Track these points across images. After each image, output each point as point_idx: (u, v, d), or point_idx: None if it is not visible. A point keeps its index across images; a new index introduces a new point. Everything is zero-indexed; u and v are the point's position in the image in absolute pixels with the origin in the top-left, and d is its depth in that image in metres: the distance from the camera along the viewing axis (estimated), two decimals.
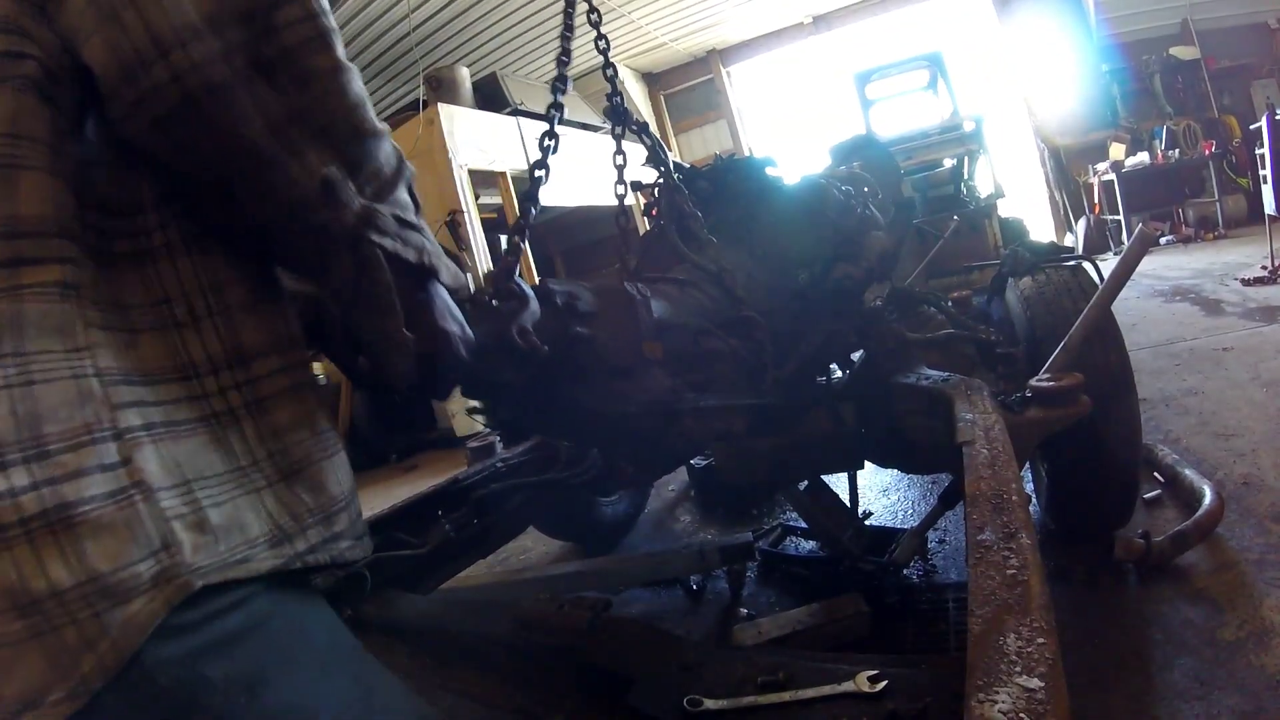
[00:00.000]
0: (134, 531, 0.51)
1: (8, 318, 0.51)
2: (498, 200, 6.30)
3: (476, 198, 5.82)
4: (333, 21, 0.61)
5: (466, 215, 5.51)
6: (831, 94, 9.46)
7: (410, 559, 1.89)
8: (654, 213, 2.32)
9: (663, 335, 1.37)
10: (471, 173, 5.71)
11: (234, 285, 0.65)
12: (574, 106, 6.67)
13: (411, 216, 0.69)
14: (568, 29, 1.50)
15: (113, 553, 0.49)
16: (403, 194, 0.69)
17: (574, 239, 9.68)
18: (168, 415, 0.58)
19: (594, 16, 1.74)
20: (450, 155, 5.50)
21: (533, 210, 1.36)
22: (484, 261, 5.63)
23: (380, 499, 4.62)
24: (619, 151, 1.83)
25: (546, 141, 1.41)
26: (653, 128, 1.87)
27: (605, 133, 1.78)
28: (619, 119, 1.77)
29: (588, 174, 6.03)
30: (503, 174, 6.09)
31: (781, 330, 1.80)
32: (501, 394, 1.14)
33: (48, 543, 0.48)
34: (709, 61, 10.86)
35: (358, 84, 0.62)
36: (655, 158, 1.77)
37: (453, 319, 0.79)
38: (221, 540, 0.56)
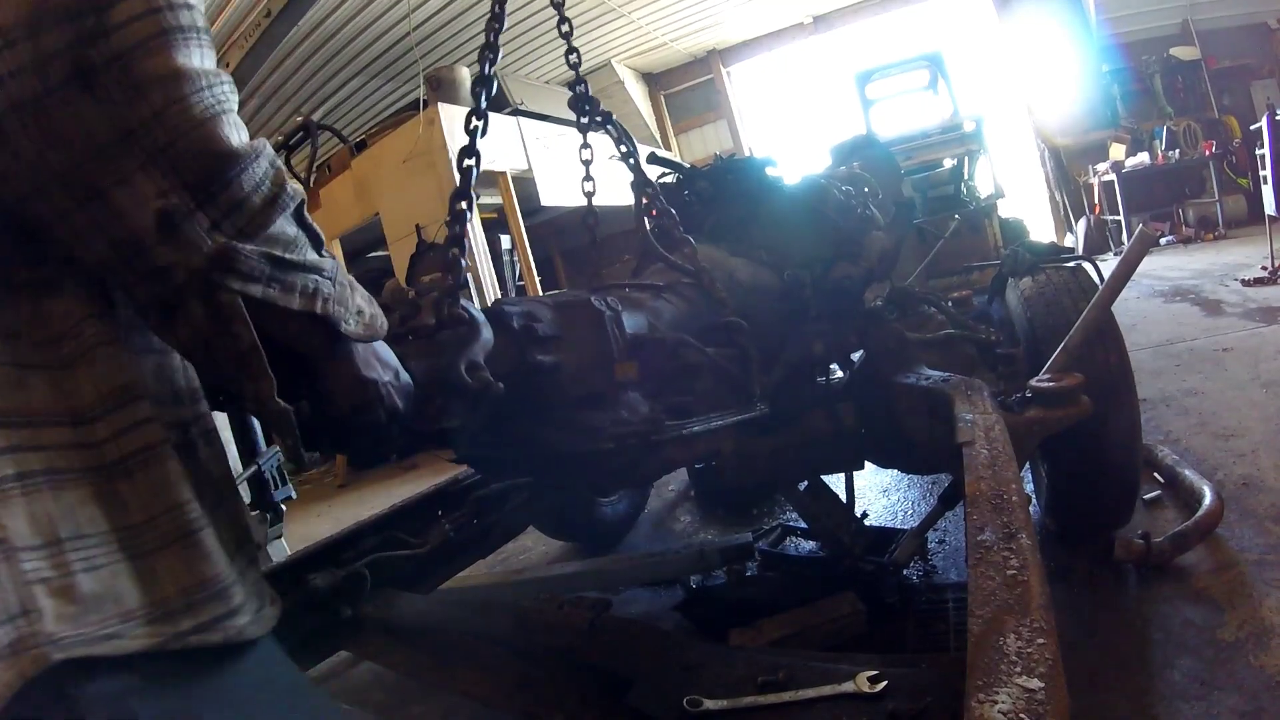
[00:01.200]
0: None
1: None
2: (498, 200, 6.29)
3: (476, 198, 5.81)
4: (187, 18, 0.50)
5: (467, 215, 5.50)
6: (831, 94, 9.46)
7: (410, 559, 1.89)
8: (653, 213, 2.31)
9: (637, 353, 1.23)
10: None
11: (108, 320, 0.58)
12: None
13: (297, 254, 0.58)
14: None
15: None
16: (283, 227, 0.57)
17: (574, 239, 9.68)
18: (50, 463, 0.51)
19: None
20: (450, 155, 5.50)
21: (469, 214, 1.21)
22: (484, 261, 5.63)
23: (380, 499, 4.62)
24: (585, 145, 1.78)
25: (475, 122, 1.25)
26: (653, 128, 1.84)
27: (605, 133, 1.72)
28: (583, 109, 1.66)
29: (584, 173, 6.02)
30: (503, 174, 6.08)
31: (767, 332, 1.74)
32: (454, 438, 1.00)
33: None
34: (709, 61, 10.86)
35: (213, 93, 0.51)
36: (630, 150, 1.65)
37: (380, 366, 0.71)
38: (91, 610, 0.49)
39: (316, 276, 0.60)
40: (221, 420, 2.87)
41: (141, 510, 0.55)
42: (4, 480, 0.48)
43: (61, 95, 0.46)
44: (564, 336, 1.15)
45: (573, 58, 1.64)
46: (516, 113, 6.50)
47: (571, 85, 1.66)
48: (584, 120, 1.70)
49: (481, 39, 1.27)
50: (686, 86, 11.10)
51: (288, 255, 0.57)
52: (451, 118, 5.65)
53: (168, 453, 0.58)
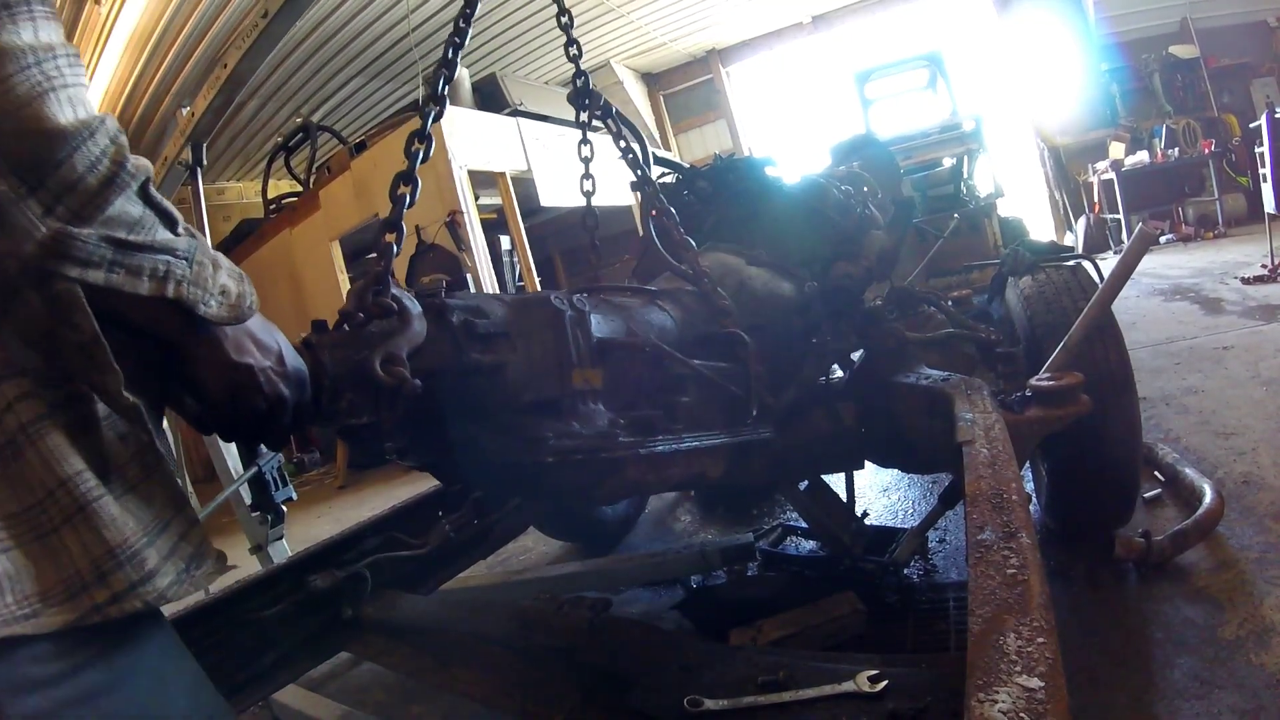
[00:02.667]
0: None
1: None
2: (497, 200, 6.30)
3: (476, 198, 5.82)
4: None
5: (466, 215, 5.51)
6: (831, 93, 9.46)
7: (410, 559, 1.89)
8: (653, 213, 2.31)
9: (602, 360, 1.14)
10: (471, 173, 5.71)
11: None
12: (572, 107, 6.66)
13: (144, 235, 0.54)
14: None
15: None
16: (125, 206, 0.53)
17: (574, 239, 9.68)
18: None
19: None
20: (450, 155, 5.50)
21: (406, 202, 1.13)
22: (484, 262, 5.63)
23: (380, 499, 4.62)
24: (584, 141, 1.71)
25: (416, 145, 1.17)
26: (652, 128, 1.82)
27: (605, 132, 1.69)
28: (583, 102, 1.61)
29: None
30: (502, 174, 6.09)
31: (780, 349, 1.67)
32: (368, 435, 0.92)
33: None
34: (708, 61, 10.86)
35: (42, 70, 0.47)
36: (637, 145, 1.62)
37: (257, 350, 0.67)
38: (7, 591, 0.49)
39: (168, 257, 0.56)
40: None
41: (39, 488, 0.54)
42: None
43: None
44: (512, 335, 1.07)
45: (573, 50, 1.60)
46: (516, 113, 6.50)
47: (573, 79, 1.62)
48: (584, 116, 1.65)
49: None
50: (686, 86, 11.11)
51: (132, 237, 0.54)
52: (451, 118, 5.65)
53: (48, 428, 0.56)
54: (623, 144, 1.61)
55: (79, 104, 0.50)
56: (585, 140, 1.71)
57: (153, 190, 0.56)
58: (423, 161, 1.11)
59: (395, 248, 1.01)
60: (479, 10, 1.34)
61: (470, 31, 1.28)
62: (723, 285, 1.65)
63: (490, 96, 6.65)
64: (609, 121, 1.65)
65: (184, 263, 0.57)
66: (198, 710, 0.62)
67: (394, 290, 0.95)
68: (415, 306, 0.96)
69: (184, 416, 0.66)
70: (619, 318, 1.31)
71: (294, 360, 0.74)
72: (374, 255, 1.04)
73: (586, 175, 1.72)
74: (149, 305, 0.56)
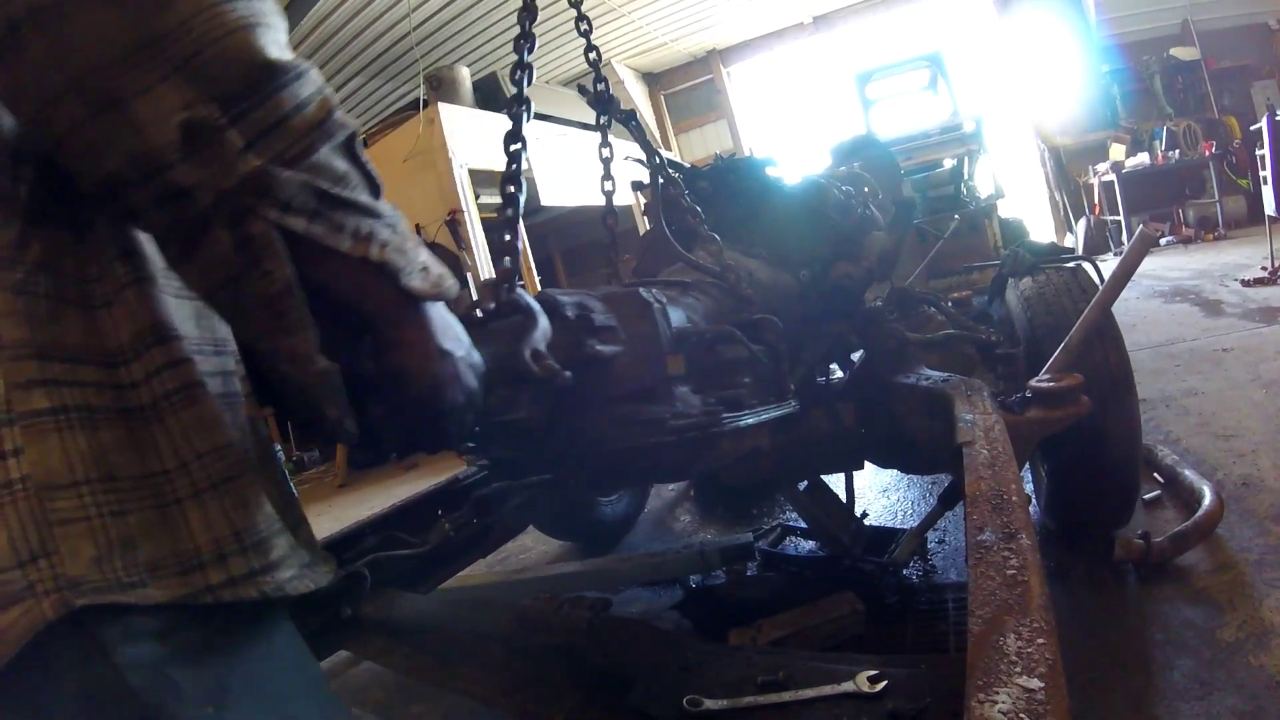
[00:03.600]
0: (12, 532, 0.43)
1: None
2: (497, 200, 6.29)
3: (477, 197, 5.82)
4: None
5: (467, 215, 5.51)
6: (831, 94, 9.46)
7: (410, 559, 1.89)
8: (681, 202, 2.31)
9: (680, 346, 1.20)
10: (472, 172, 5.71)
11: (150, 260, 0.55)
12: (573, 106, 6.67)
13: (350, 192, 0.49)
14: None
15: None
16: (331, 158, 0.49)
17: (574, 239, 9.68)
18: (84, 400, 0.48)
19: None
20: (450, 155, 5.50)
21: (520, 198, 1.16)
22: (485, 262, 5.63)
23: (380, 499, 4.62)
24: (605, 144, 1.75)
25: (513, 147, 1.23)
26: (653, 128, 1.83)
27: (629, 130, 1.70)
28: (604, 107, 1.64)
29: (587, 174, 6.04)
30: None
31: (790, 332, 1.73)
32: (509, 434, 0.91)
33: None
34: (709, 61, 10.86)
35: (249, 5, 0.45)
36: (647, 148, 1.64)
37: (451, 338, 0.59)
38: (117, 556, 0.46)
39: (371, 220, 0.50)
40: None
41: (173, 456, 0.51)
42: (38, 413, 0.45)
43: (80, 1, 0.41)
44: (620, 327, 1.10)
45: (592, 55, 1.62)
46: None
47: (593, 83, 1.64)
48: (603, 120, 1.68)
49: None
50: (686, 86, 11.11)
51: (336, 190, 0.48)
52: (451, 117, 5.65)
53: (204, 395, 0.53)
54: (644, 141, 1.65)
55: (285, 49, 0.47)
56: (605, 143, 1.73)
57: (358, 148, 0.51)
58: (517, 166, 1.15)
59: (519, 245, 1.02)
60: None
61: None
62: (726, 277, 1.67)
63: (491, 95, 6.65)
64: (631, 125, 1.68)
65: (388, 229, 0.52)
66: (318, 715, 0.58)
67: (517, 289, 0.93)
68: (535, 303, 0.95)
69: (343, 435, 0.53)
70: (678, 307, 1.36)
71: (475, 352, 0.66)
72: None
73: (607, 176, 1.75)
74: (348, 268, 0.50)
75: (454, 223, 5.47)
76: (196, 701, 0.48)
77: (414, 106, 5.72)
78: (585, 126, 7.28)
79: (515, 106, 1.21)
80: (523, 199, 1.16)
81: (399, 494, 2.61)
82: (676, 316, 1.28)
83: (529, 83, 1.23)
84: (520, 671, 1.28)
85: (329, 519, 4.45)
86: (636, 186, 2.37)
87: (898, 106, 6.33)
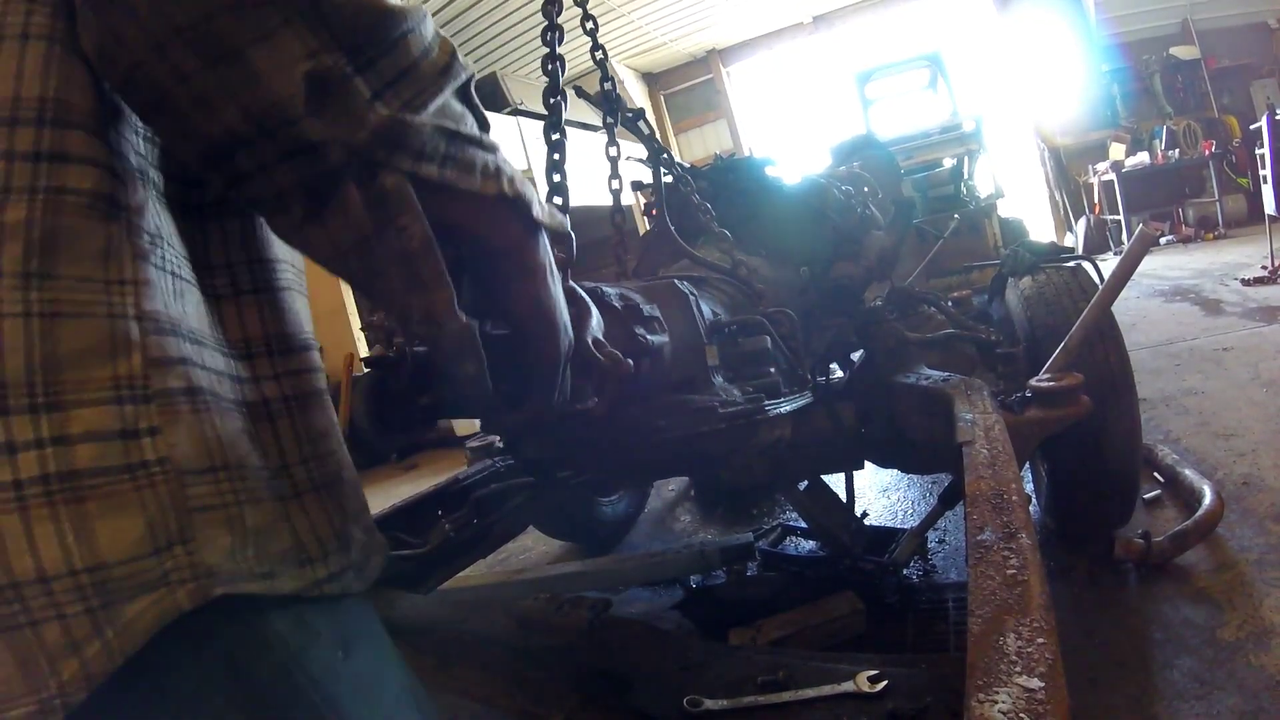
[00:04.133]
0: (150, 517, 0.40)
1: (44, 229, 0.39)
2: None
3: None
4: None
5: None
6: (831, 94, 9.46)
7: (410, 559, 1.89)
8: (654, 213, 2.31)
9: (713, 337, 1.21)
10: None
11: (282, 263, 0.53)
12: (573, 106, 6.67)
13: (472, 129, 0.47)
14: None
15: (123, 540, 0.39)
16: (452, 103, 0.46)
17: (576, 239, 9.67)
18: (213, 385, 0.45)
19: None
20: None
21: (566, 186, 1.20)
22: None
23: (380, 499, 4.62)
24: (612, 143, 1.73)
25: (554, 137, 1.27)
26: (653, 127, 1.83)
27: (605, 132, 1.71)
28: (611, 108, 1.65)
29: (588, 174, 6.04)
30: None
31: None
32: (575, 426, 0.90)
33: (43, 516, 0.37)
34: (709, 61, 10.87)
35: None
36: (653, 147, 1.66)
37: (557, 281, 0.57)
38: (251, 545, 0.45)
39: (495, 155, 0.48)
40: None
41: (294, 452, 0.50)
42: (172, 394, 0.42)
43: None
44: (664, 317, 1.10)
45: (599, 54, 1.63)
46: (516, 113, 6.50)
47: (600, 82, 1.64)
48: (610, 120, 1.69)
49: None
50: (686, 86, 11.11)
51: (462, 129, 0.46)
52: None
53: (324, 404, 0.53)
54: (653, 142, 1.68)
55: None
56: (613, 142, 1.74)
57: (472, 91, 0.49)
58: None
59: (572, 236, 1.01)
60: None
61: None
62: (739, 272, 1.69)
63: (490, 96, 6.65)
64: (639, 126, 1.68)
65: (508, 163, 0.50)
66: (410, 706, 0.57)
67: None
68: (585, 294, 0.93)
69: (464, 355, 0.50)
70: (705, 300, 1.37)
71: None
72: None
73: (615, 175, 1.75)
74: (484, 207, 0.48)
75: None
76: (336, 689, 0.47)
77: None
78: (586, 126, 7.28)
79: (553, 97, 1.23)
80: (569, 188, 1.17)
81: (399, 494, 2.61)
82: (706, 308, 1.29)
83: (563, 72, 1.24)
84: (520, 672, 1.28)
85: None
86: (637, 186, 2.37)
87: (897, 106, 6.33)
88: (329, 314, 6.53)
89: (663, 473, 1.94)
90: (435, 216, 0.45)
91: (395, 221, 0.43)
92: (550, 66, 1.25)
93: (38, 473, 0.37)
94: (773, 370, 1.34)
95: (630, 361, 0.81)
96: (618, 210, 1.83)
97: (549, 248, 0.54)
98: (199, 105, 0.40)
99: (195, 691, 0.43)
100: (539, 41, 1.28)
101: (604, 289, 1.04)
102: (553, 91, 1.23)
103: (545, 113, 1.30)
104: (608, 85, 1.64)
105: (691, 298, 1.19)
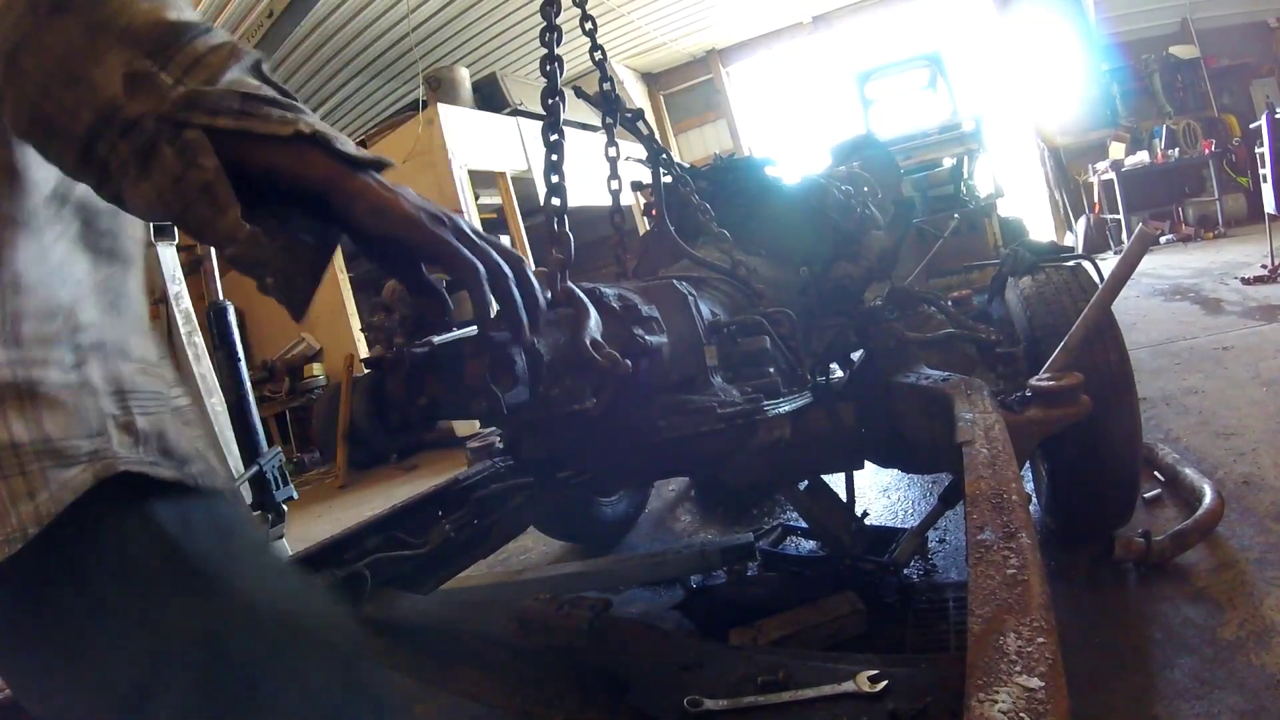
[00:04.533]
0: (81, 414, 0.61)
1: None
2: (497, 200, 6.30)
3: (476, 198, 5.82)
4: None
5: (466, 215, 5.52)
6: (831, 93, 9.46)
7: (410, 559, 1.89)
8: (654, 213, 2.31)
9: (711, 337, 1.21)
10: (471, 173, 5.71)
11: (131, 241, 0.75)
12: (572, 106, 6.67)
13: (268, 94, 0.59)
14: None
15: (63, 426, 0.60)
16: (245, 77, 0.59)
17: (576, 239, 9.65)
18: (118, 339, 0.69)
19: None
20: (450, 155, 5.50)
21: (564, 187, 1.15)
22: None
23: (380, 499, 4.62)
24: (611, 143, 1.76)
25: (553, 137, 1.23)
26: (653, 127, 1.82)
27: (604, 133, 1.71)
28: (610, 108, 1.65)
29: (588, 174, 6.05)
30: (502, 174, 6.09)
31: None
32: (571, 426, 0.92)
33: (13, 406, 0.58)
34: (708, 61, 10.86)
35: (147, 9, 0.57)
36: (653, 148, 1.66)
37: (419, 202, 0.65)
38: (140, 445, 0.65)
39: (296, 112, 0.59)
40: (225, 421, 2.87)
41: (173, 389, 0.73)
42: (83, 347, 0.65)
43: (48, 21, 0.56)
44: (662, 318, 1.10)
45: (598, 55, 1.63)
46: (516, 113, 6.50)
47: (599, 82, 1.64)
48: (609, 120, 1.68)
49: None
50: (686, 86, 11.11)
51: (259, 93, 0.58)
52: (451, 118, 5.66)
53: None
54: (652, 142, 1.67)
55: (194, 14, 0.60)
56: (612, 142, 1.73)
57: (266, 70, 0.60)
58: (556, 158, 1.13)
59: (572, 238, 1.01)
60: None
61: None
62: (738, 272, 1.69)
63: (490, 96, 6.65)
64: (638, 127, 1.68)
65: (313, 118, 0.60)
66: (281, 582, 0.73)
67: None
68: (583, 295, 0.95)
69: (254, 261, 0.62)
70: (704, 300, 1.37)
71: (435, 207, 0.69)
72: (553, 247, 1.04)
73: (614, 175, 1.75)
74: (284, 148, 0.59)
75: None
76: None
77: (413, 107, 5.73)
78: (584, 127, 7.28)
79: (551, 98, 1.21)
80: (567, 190, 1.14)
81: (399, 495, 2.62)
82: (705, 309, 1.29)
83: (561, 73, 1.23)
84: (520, 672, 1.28)
85: (329, 520, 4.45)
86: (637, 187, 2.37)
87: (897, 106, 6.33)
88: (330, 315, 6.53)
89: (662, 473, 1.94)
90: (241, 157, 0.58)
91: (195, 162, 0.56)
92: (549, 68, 1.24)
93: (9, 379, 0.58)
94: (771, 370, 1.35)
95: (628, 362, 0.83)
96: (617, 211, 1.84)
97: (378, 177, 0.64)
98: (69, 119, 0.57)
99: (98, 562, 0.60)
100: (539, 42, 1.27)
101: (603, 290, 1.05)
102: (551, 92, 1.22)
103: (545, 113, 1.29)
104: (606, 86, 1.64)
105: (690, 298, 1.19)
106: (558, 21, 1.52)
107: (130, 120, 0.56)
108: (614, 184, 1.80)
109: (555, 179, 1.19)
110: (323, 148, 0.60)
